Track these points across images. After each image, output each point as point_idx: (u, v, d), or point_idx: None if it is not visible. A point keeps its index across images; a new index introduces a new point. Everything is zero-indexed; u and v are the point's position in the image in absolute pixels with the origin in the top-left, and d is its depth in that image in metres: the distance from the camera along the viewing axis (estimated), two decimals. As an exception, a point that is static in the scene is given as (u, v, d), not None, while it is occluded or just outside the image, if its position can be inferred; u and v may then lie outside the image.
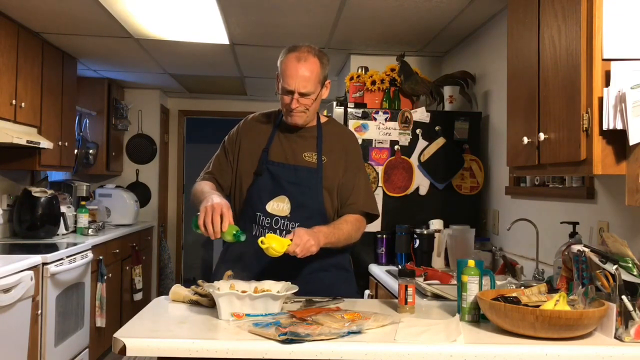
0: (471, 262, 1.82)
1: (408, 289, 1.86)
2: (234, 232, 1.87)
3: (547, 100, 1.97)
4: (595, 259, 1.71)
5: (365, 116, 3.52)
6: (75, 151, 4.90)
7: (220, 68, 5.10)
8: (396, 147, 3.52)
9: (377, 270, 3.25)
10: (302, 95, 2.05)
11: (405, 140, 3.53)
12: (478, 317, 1.77)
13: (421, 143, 3.53)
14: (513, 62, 2.30)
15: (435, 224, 3.38)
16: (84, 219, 4.54)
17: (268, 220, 2.10)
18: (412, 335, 1.60)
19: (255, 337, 1.55)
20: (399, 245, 3.39)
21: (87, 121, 5.42)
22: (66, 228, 4.38)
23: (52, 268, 3.36)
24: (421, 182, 3.54)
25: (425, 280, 2.69)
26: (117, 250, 4.76)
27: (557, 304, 1.61)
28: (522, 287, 1.89)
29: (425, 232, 3.34)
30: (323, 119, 2.24)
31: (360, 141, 3.36)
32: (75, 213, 4.59)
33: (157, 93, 6.30)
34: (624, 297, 1.60)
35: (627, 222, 2.17)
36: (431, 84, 3.79)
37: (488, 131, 3.60)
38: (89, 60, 4.85)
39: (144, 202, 6.16)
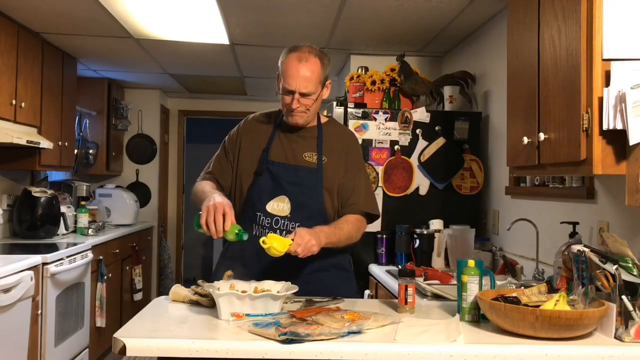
0: (471, 262, 1.82)
1: (408, 289, 1.86)
2: (237, 232, 1.87)
3: (547, 100, 1.97)
4: (595, 259, 1.71)
5: (365, 116, 3.52)
6: (75, 151, 4.90)
7: (220, 68, 5.10)
8: (396, 147, 3.52)
9: (377, 270, 3.25)
10: (302, 95, 2.05)
11: (405, 140, 3.53)
12: (478, 317, 1.77)
13: (421, 143, 3.53)
14: (513, 62, 2.30)
15: (435, 224, 3.38)
16: (84, 219, 4.54)
17: (268, 220, 2.10)
18: (412, 335, 1.60)
19: (255, 337, 1.55)
20: (399, 245, 3.39)
21: (87, 121, 5.42)
22: (66, 228, 4.38)
23: (52, 268, 3.36)
24: (421, 182, 3.54)
25: (425, 280, 2.69)
26: (117, 250, 4.76)
27: (557, 304, 1.61)
28: (522, 287, 1.89)
29: (425, 232, 3.34)
30: (323, 119, 2.24)
31: (360, 141, 3.35)
32: (75, 213, 4.59)
33: (157, 93, 6.30)
34: (624, 297, 1.60)
35: (627, 222, 2.17)
36: (431, 84, 3.79)
37: (488, 131, 3.60)
38: (89, 60, 4.85)
39: (144, 202, 6.16)
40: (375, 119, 3.51)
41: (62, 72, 4.44)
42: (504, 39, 2.42)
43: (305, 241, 1.87)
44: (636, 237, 2.09)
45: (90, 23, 3.76)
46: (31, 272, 3.12)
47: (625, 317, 1.59)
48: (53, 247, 3.71)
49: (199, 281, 1.98)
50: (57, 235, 4.29)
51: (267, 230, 2.08)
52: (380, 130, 3.51)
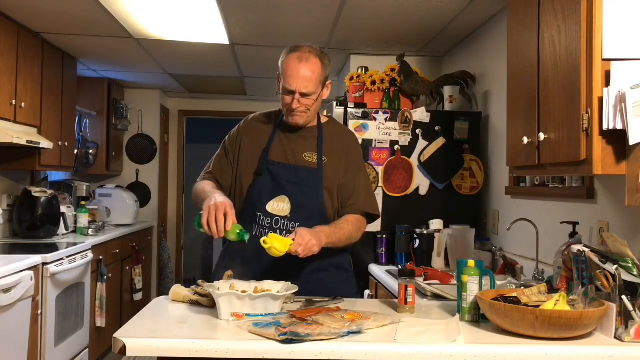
0: (471, 262, 1.82)
1: (408, 289, 1.86)
2: (238, 231, 1.87)
3: (547, 100, 1.97)
4: (595, 259, 1.71)
5: (365, 116, 3.52)
6: (75, 151, 4.90)
7: (220, 68, 5.10)
8: (396, 147, 3.52)
9: (377, 270, 3.25)
10: (303, 95, 2.05)
11: (405, 140, 3.53)
12: (478, 317, 1.77)
13: (421, 143, 3.53)
14: (513, 62, 2.30)
15: (435, 224, 3.38)
16: (84, 219, 4.54)
17: (268, 220, 2.10)
18: (412, 335, 1.60)
19: (255, 337, 1.55)
20: (399, 245, 3.39)
21: (87, 121, 5.42)
22: (66, 228, 4.38)
23: (52, 268, 3.36)
24: (421, 182, 3.54)
25: (425, 280, 2.69)
26: (117, 250, 4.76)
27: (557, 304, 1.61)
28: (522, 287, 1.89)
29: (425, 232, 3.34)
30: (323, 119, 2.24)
31: (360, 141, 3.35)
32: (75, 213, 4.59)
33: (157, 93, 6.30)
34: (624, 297, 1.60)
35: (627, 222, 2.17)
36: (431, 84, 3.79)
37: (488, 131, 3.60)
38: (89, 60, 4.85)
39: (144, 202, 6.16)
40: (375, 119, 3.51)
41: (62, 72, 4.44)
42: (504, 39, 2.42)
43: (306, 241, 1.87)
44: (636, 237, 2.09)
45: (90, 23, 3.76)
46: (31, 272, 3.12)
47: (625, 317, 1.59)
48: (53, 247, 3.71)
49: (199, 281, 1.98)
50: (57, 235, 4.29)
51: (267, 230, 2.08)
52: (380, 130, 3.51)
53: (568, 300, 1.65)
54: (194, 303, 1.92)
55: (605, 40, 1.70)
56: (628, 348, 1.54)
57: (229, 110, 6.83)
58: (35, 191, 4.13)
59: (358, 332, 1.59)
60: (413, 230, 3.38)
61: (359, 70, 3.92)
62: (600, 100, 1.69)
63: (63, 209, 4.33)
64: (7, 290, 2.84)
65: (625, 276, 1.63)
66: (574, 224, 2.41)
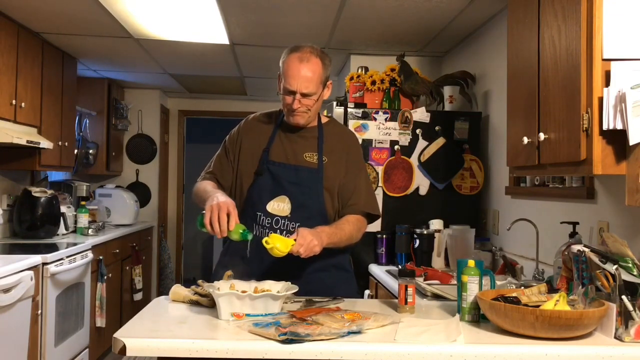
0: (471, 262, 1.82)
1: (408, 289, 1.86)
2: (241, 231, 1.87)
3: (547, 100, 1.97)
4: (595, 259, 1.71)
5: (365, 116, 3.52)
6: (75, 151, 4.90)
7: (220, 68, 5.10)
8: (396, 147, 3.52)
9: (377, 270, 3.25)
10: (304, 95, 2.05)
11: (405, 140, 3.54)
12: (478, 317, 1.77)
13: (421, 143, 3.53)
14: (513, 62, 2.30)
15: (435, 224, 3.38)
16: (84, 219, 4.54)
17: (268, 220, 2.10)
18: (412, 335, 1.60)
19: (255, 337, 1.55)
20: (399, 245, 3.39)
21: (87, 121, 5.42)
22: (66, 228, 4.38)
23: (52, 268, 3.36)
24: (421, 182, 3.54)
25: (425, 280, 2.69)
26: (117, 250, 4.76)
27: (557, 304, 1.61)
28: (522, 287, 1.89)
29: (425, 232, 3.34)
30: (324, 119, 2.24)
31: (360, 141, 3.35)
32: (75, 213, 4.59)
33: (157, 93, 6.30)
34: (624, 297, 1.60)
35: (627, 222, 2.17)
36: (431, 84, 3.79)
37: (488, 131, 3.60)
38: (89, 60, 4.85)
39: (144, 202, 6.16)
40: (375, 119, 3.52)
41: (62, 72, 4.44)
42: (504, 39, 2.42)
43: (307, 241, 1.87)
44: (636, 237, 2.09)
45: (90, 23, 3.76)
46: (31, 272, 3.12)
47: (625, 317, 1.59)
48: (53, 247, 3.71)
49: (199, 281, 1.98)
50: (57, 235, 4.29)
51: (267, 230, 2.08)
52: (380, 130, 3.51)
53: (568, 300, 1.65)
54: (194, 303, 1.92)
55: (605, 40, 1.70)
56: (628, 348, 1.54)
57: (229, 110, 6.83)
58: (35, 191, 4.13)
59: (358, 332, 1.59)
60: (413, 230, 3.38)
61: (359, 70, 3.92)
62: (600, 100, 1.69)
63: (63, 209, 4.34)
64: (7, 290, 2.84)
65: (625, 276, 1.63)
66: (574, 224, 2.41)
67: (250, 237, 1.88)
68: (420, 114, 3.55)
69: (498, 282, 2.07)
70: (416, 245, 3.35)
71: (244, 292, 1.76)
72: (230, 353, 1.50)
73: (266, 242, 1.84)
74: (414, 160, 3.52)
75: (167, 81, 5.82)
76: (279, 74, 2.11)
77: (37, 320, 3.28)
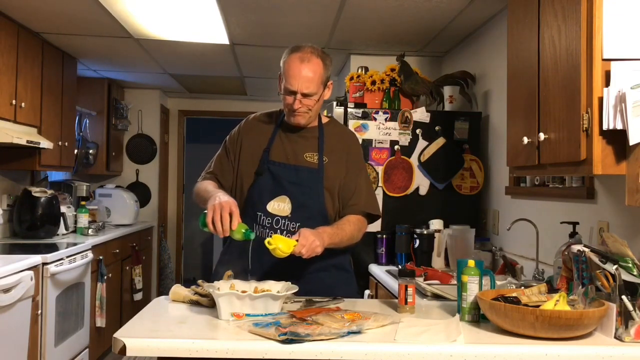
0: (471, 262, 1.82)
1: (408, 289, 1.86)
2: (243, 231, 1.87)
3: (547, 100, 1.97)
4: (595, 259, 1.71)
5: (365, 116, 3.52)
6: (75, 151, 4.90)
7: (220, 68, 5.10)
8: (396, 147, 3.52)
9: (377, 270, 3.25)
10: (304, 95, 2.05)
11: (405, 140, 3.54)
12: (478, 317, 1.77)
13: (421, 143, 3.53)
14: (513, 62, 2.30)
15: (435, 224, 3.38)
16: (84, 219, 4.54)
17: (269, 220, 2.10)
18: (412, 335, 1.60)
19: (255, 337, 1.55)
20: (399, 245, 3.39)
21: (87, 121, 5.42)
22: (66, 228, 4.38)
23: (52, 268, 3.36)
24: (421, 182, 3.54)
25: (425, 280, 2.69)
26: (117, 250, 4.76)
27: (557, 304, 1.61)
28: (522, 287, 1.89)
29: (425, 232, 3.34)
30: (324, 119, 2.24)
31: (360, 141, 3.35)
32: (75, 213, 4.59)
33: (157, 93, 6.30)
34: (624, 297, 1.60)
35: (627, 222, 2.17)
36: (431, 84, 3.79)
37: (488, 131, 3.60)
38: (89, 60, 4.85)
39: (144, 202, 6.16)
40: (375, 119, 3.52)
41: (62, 72, 4.44)
42: (504, 39, 2.42)
43: (309, 242, 1.87)
44: (636, 237, 2.09)
45: (90, 23, 3.76)
46: (31, 272, 3.12)
47: (625, 317, 1.59)
48: (53, 247, 3.71)
49: (199, 281, 1.98)
50: (57, 235, 4.29)
51: (267, 230, 2.08)
52: (380, 130, 3.51)
53: (568, 300, 1.65)
54: (194, 303, 1.93)
55: (605, 40, 1.70)
56: (628, 348, 1.54)
57: (229, 110, 6.83)
58: (35, 191, 4.13)
59: (358, 332, 1.59)
60: (413, 230, 3.38)
61: (359, 70, 3.92)
62: (600, 100, 1.69)
63: (63, 209, 4.34)
64: (7, 290, 2.84)
65: (625, 276, 1.63)
66: (574, 224, 2.41)
67: (252, 236, 1.88)
68: (420, 114, 3.55)
69: (498, 282, 2.07)
70: (416, 245, 3.35)
71: (244, 292, 1.76)
72: (230, 353, 1.50)
73: (269, 242, 1.84)
74: (414, 160, 3.52)
75: (167, 81, 5.82)
76: (279, 74, 2.11)
77: (37, 320, 3.28)
